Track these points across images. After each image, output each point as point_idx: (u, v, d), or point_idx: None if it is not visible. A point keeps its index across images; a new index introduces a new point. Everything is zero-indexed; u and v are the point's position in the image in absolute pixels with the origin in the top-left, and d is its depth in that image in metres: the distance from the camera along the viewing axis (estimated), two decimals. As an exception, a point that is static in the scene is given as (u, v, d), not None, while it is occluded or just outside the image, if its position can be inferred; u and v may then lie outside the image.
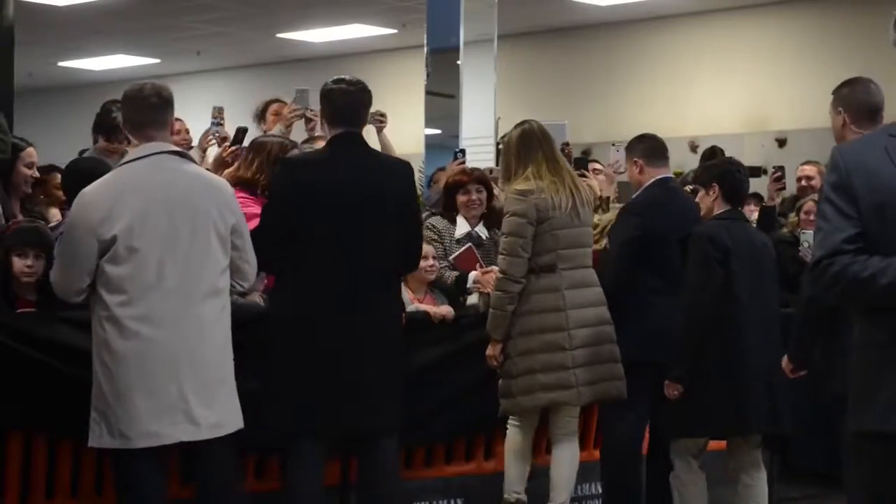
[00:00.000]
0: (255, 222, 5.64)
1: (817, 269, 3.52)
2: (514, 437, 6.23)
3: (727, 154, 9.12)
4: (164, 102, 5.14)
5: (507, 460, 6.24)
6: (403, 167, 5.76)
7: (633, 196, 6.58)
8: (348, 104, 5.56)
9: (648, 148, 6.53)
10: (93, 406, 4.90)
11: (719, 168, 6.41)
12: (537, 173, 6.10)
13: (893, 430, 3.41)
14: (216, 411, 4.97)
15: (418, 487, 6.34)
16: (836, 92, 5.44)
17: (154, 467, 4.94)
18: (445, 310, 6.44)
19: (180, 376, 4.87)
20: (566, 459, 6.20)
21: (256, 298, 6.00)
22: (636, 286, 6.27)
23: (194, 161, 5.20)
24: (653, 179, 6.45)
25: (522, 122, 6.33)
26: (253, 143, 6.50)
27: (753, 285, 6.01)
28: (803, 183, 8.97)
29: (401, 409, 5.55)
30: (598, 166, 8.11)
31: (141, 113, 5.09)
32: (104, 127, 7.18)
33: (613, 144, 7.87)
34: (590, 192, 6.44)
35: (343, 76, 5.65)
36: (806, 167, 9.09)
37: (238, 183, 6.16)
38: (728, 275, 5.95)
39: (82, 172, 5.87)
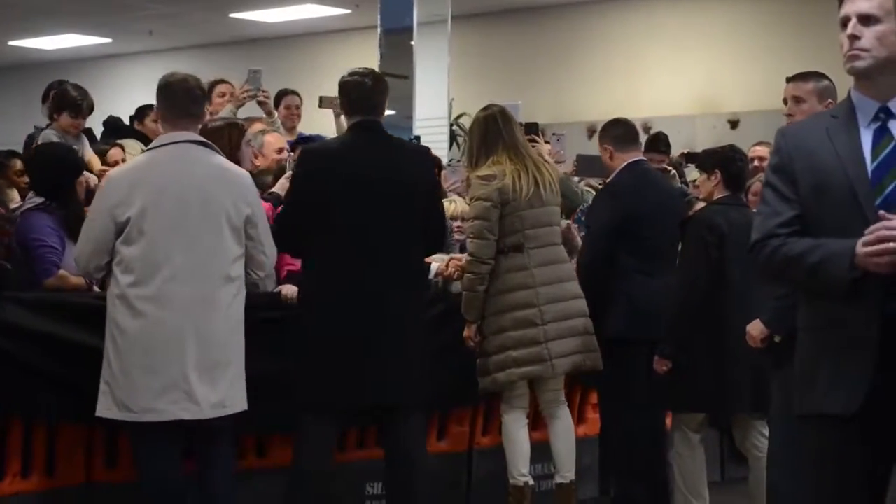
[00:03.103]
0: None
1: (752, 252, 3.60)
2: (506, 421, 6.39)
3: (679, 136, 9.22)
4: (203, 96, 5.47)
5: (507, 447, 6.39)
6: (422, 151, 6.11)
7: (608, 179, 6.76)
8: (363, 94, 5.73)
9: (617, 134, 6.69)
10: (102, 378, 5.10)
11: (721, 154, 6.55)
12: (498, 160, 6.28)
13: (833, 412, 3.46)
14: (218, 392, 5.15)
15: (368, 468, 6.33)
16: None
17: (165, 443, 5.14)
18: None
19: (184, 356, 5.06)
20: (562, 430, 6.44)
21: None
22: (615, 266, 6.43)
23: (220, 152, 5.39)
24: (624, 163, 6.61)
25: (485, 108, 6.49)
26: (206, 129, 6.45)
27: (747, 269, 6.11)
28: (756, 164, 9.03)
29: (426, 384, 5.71)
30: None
31: (182, 104, 5.29)
32: (71, 105, 7.35)
33: (553, 134, 7.97)
34: (552, 168, 6.60)
35: (357, 68, 5.88)
36: (758, 148, 9.12)
37: None
38: (722, 259, 6.13)
39: (55, 159, 6.03)
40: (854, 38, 3.52)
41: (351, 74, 5.82)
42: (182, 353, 5.06)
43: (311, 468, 5.58)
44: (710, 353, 6.16)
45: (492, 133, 6.34)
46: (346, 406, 5.65)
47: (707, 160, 6.58)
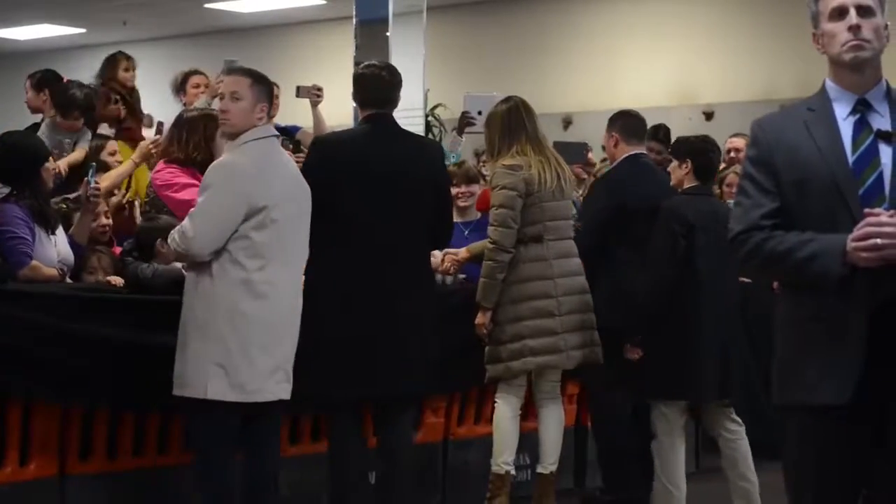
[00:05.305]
0: (187, 192, 5.91)
1: (735, 243, 3.60)
2: (502, 410, 6.43)
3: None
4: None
5: (497, 433, 6.42)
6: (434, 146, 6.26)
7: (607, 170, 6.89)
8: (380, 87, 5.85)
9: (626, 125, 6.82)
10: (209, 360, 5.22)
11: (695, 144, 6.60)
12: (522, 151, 6.35)
13: (825, 402, 3.46)
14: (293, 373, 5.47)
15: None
16: None
17: (237, 425, 5.35)
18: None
19: (287, 338, 5.40)
20: (554, 421, 6.51)
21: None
22: (607, 257, 6.50)
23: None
24: (625, 155, 6.71)
25: (506, 100, 6.56)
26: (182, 120, 6.40)
27: (714, 259, 6.18)
28: (732, 155, 9.08)
29: (432, 375, 5.84)
30: None
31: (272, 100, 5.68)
32: (61, 104, 7.13)
33: None
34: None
35: (373, 61, 6.04)
36: (735, 139, 9.22)
37: (172, 162, 6.17)
38: (690, 249, 6.17)
39: (19, 147, 5.93)
40: (858, 28, 3.52)
41: (367, 67, 5.91)
42: (289, 335, 5.39)
43: (344, 458, 5.76)
44: (679, 341, 6.19)
45: (515, 124, 6.39)
46: (355, 399, 5.76)
47: (680, 148, 6.65)
